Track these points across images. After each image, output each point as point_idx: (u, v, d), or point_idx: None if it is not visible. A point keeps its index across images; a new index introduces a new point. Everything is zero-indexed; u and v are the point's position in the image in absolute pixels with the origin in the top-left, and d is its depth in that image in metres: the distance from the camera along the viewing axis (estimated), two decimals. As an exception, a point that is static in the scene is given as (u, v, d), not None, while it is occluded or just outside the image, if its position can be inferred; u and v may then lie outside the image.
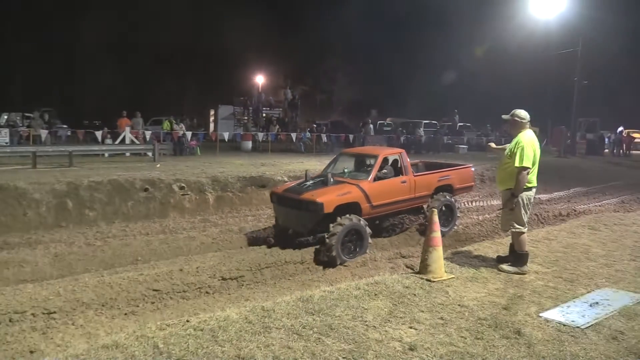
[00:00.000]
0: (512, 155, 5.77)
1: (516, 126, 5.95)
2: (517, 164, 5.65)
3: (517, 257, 5.98)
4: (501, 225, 6.55)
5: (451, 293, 5.12)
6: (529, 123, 5.97)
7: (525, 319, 4.49)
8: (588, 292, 5.25)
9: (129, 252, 8.66)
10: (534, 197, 6.15)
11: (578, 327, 4.33)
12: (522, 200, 5.82)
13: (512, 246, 6.17)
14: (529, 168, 5.66)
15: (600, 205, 13.54)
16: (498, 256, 6.46)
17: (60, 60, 35.51)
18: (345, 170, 9.47)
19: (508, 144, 6.40)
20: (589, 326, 4.35)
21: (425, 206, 9.73)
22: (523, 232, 5.92)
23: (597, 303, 4.92)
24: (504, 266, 5.99)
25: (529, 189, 5.86)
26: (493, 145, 7.04)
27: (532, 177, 5.85)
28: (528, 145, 5.71)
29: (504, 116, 6.13)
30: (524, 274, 5.84)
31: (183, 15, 38.28)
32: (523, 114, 5.95)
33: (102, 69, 34.49)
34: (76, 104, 34.77)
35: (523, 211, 5.87)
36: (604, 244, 7.59)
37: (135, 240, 9.39)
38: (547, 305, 4.85)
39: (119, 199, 11.30)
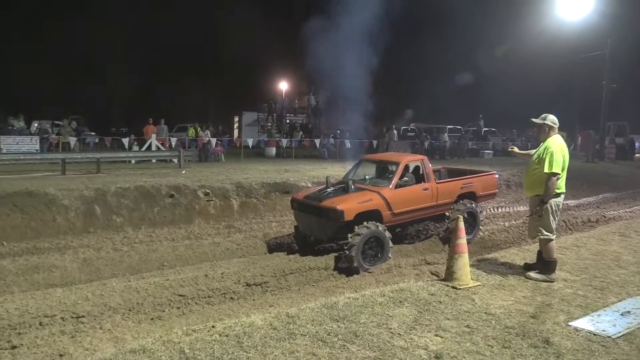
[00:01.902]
0: (541, 160, 5.67)
1: (545, 131, 5.86)
2: (546, 169, 5.56)
3: (545, 264, 5.87)
4: (528, 232, 6.44)
5: (477, 301, 5.06)
6: (557, 128, 5.88)
7: (554, 327, 4.40)
8: (619, 301, 5.13)
9: (155, 257, 8.78)
10: (562, 204, 6.04)
11: (609, 336, 4.23)
12: (551, 206, 5.72)
13: (539, 253, 6.06)
14: (558, 174, 5.57)
15: (630, 212, 13.23)
16: (525, 263, 6.36)
17: (88, 70, 36.25)
18: (367, 177, 9.43)
19: (533, 149, 6.32)
20: (621, 336, 4.25)
21: (448, 213, 9.64)
22: (551, 239, 5.82)
23: (628, 312, 4.80)
24: (532, 274, 5.88)
25: (558, 195, 5.76)
26: (516, 150, 6.93)
27: (561, 183, 5.75)
28: (557, 150, 5.62)
29: (533, 120, 6.02)
30: (552, 281, 5.73)
31: (208, 22, 38.76)
32: (554, 119, 5.86)
33: (128, 78, 35.12)
34: (104, 111, 35.46)
35: (551, 218, 5.77)
36: (635, 251, 7.41)
37: (161, 245, 9.50)
38: (576, 314, 4.75)
39: (146, 205, 11.47)
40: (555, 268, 5.87)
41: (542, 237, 5.80)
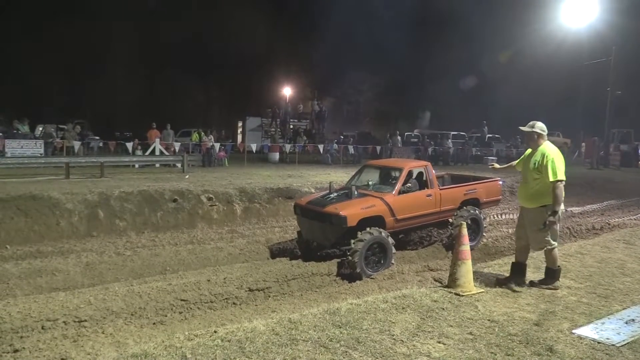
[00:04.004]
0: (542, 168, 5.51)
1: (534, 139, 5.74)
2: (551, 178, 5.42)
3: (550, 273, 5.77)
4: (532, 244, 5.99)
5: (480, 308, 5.03)
6: (546, 135, 5.76)
7: (558, 335, 4.37)
8: (623, 309, 5.10)
9: (158, 262, 8.78)
10: (568, 210, 5.96)
11: (613, 344, 4.19)
12: (558, 215, 5.57)
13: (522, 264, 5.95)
14: (564, 180, 5.46)
15: (635, 219, 13.17)
16: (530, 281, 6.01)
17: (91, 74, 36.41)
18: (370, 183, 9.42)
19: (514, 161, 6.28)
20: (625, 344, 4.22)
21: (451, 220, 9.61)
22: (555, 247, 5.71)
23: (633, 320, 4.76)
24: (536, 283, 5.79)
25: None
26: (496, 165, 6.88)
27: None
28: (557, 156, 5.53)
29: (522, 127, 5.94)
30: (557, 289, 5.67)
31: (211, 27, 38.92)
32: (542, 125, 5.74)
33: (132, 82, 35.29)
34: (108, 116, 35.58)
35: (557, 226, 5.65)
36: (639, 258, 7.37)
37: (164, 250, 9.51)
38: (580, 321, 4.72)
39: (149, 210, 11.49)
40: (560, 276, 5.80)
41: (549, 247, 5.65)
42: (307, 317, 4.66)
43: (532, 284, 5.80)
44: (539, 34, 34.47)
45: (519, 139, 33.14)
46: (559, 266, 5.81)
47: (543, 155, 5.56)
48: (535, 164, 5.64)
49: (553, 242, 5.67)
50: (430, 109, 45.75)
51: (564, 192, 5.52)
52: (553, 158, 5.49)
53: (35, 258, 8.76)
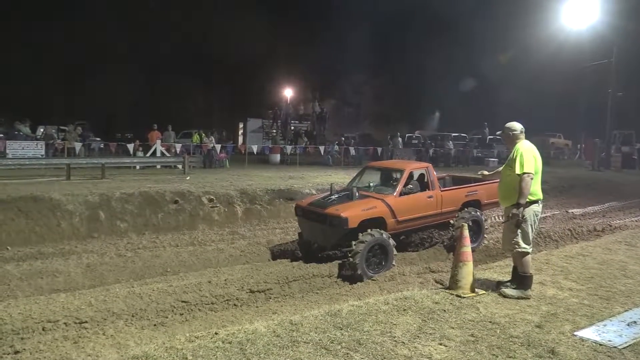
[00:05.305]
0: (512, 163, 5.46)
1: (511, 139, 5.70)
2: (518, 171, 5.34)
3: (520, 280, 5.55)
4: (503, 244, 6.08)
5: (482, 309, 5.02)
6: (523, 134, 5.71)
7: (560, 337, 4.36)
8: (625, 311, 5.08)
9: (159, 263, 8.77)
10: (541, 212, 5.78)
11: (615, 347, 4.18)
12: (529, 214, 5.44)
13: (515, 269, 5.71)
14: (531, 173, 5.33)
15: (636, 221, 13.15)
16: (498, 281, 5.98)
17: (92, 75, 36.45)
18: (371, 184, 9.42)
19: (500, 167, 6.17)
20: (627, 346, 4.20)
21: (452, 221, 9.60)
22: (528, 253, 5.50)
23: (635, 322, 4.75)
24: (507, 290, 5.52)
25: (535, 202, 5.48)
26: (486, 172, 6.87)
27: (536, 189, 5.49)
28: (527, 151, 5.45)
29: (497, 133, 5.95)
30: (528, 298, 5.41)
31: (213, 28, 38.98)
32: (514, 125, 5.71)
33: (133, 83, 35.30)
34: (109, 117, 35.61)
35: (530, 228, 5.46)
36: (641, 260, 7.35)
37: (165, 251, 9.50)
38: (582, 323, 4.70)
39: (150, 211, 11.48)
40: (532, 283, 5.56)
41: (519, 250, 5.46)
42: (308, 318, 4.66)
43: (502, 294, 5.51)
44: (540, 36, 34.48)
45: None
46: (530, 273, 5.55)
47: (515, 151, 5.54)
48: (508, 160, 5.64)
49: (524, 245, 5.45)
50: (432, 110, 45.77)
51: (530, 185, 5.33)
52: (522, 152, 5.43)
53: (36, 259, 8.75)
